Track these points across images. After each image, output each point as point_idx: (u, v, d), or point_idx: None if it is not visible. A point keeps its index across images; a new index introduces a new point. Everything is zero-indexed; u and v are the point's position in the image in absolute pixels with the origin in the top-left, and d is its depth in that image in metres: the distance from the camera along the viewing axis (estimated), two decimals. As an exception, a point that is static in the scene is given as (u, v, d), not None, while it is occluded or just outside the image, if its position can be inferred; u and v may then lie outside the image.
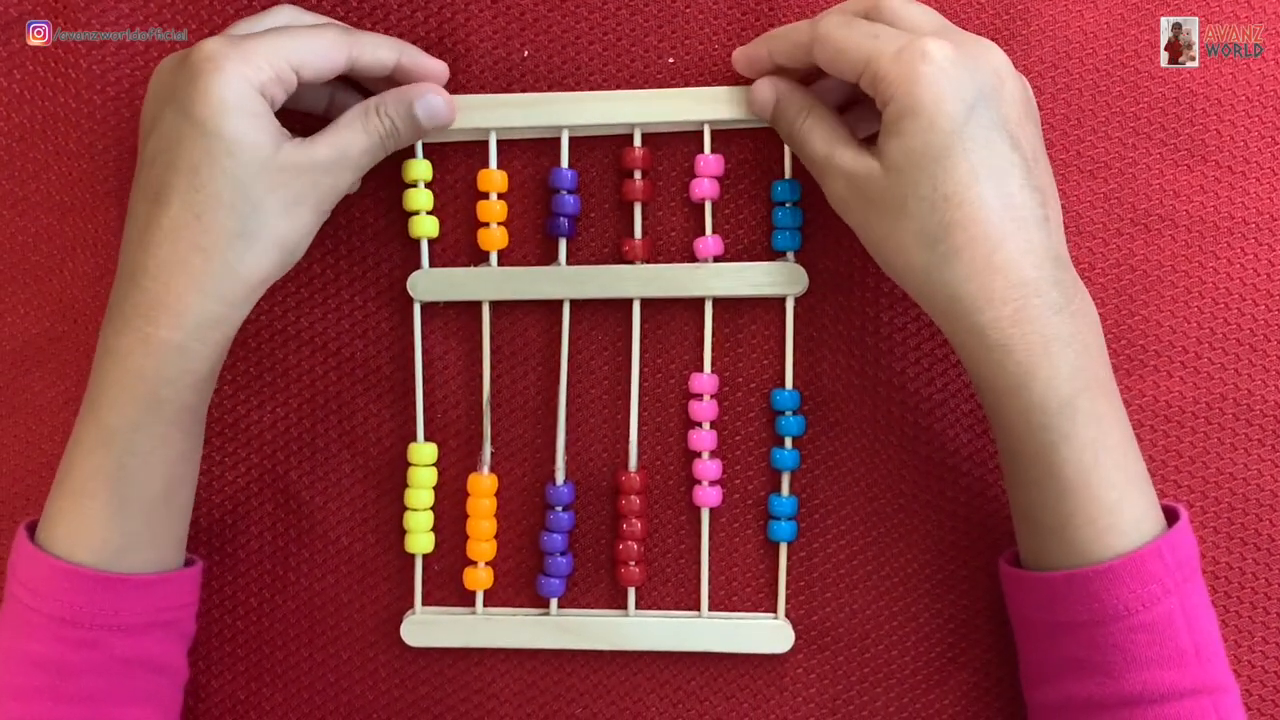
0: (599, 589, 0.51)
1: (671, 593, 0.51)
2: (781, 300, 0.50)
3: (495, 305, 0.51)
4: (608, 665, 0.51)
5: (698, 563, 0.51)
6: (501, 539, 0.51)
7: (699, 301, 0.50)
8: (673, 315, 0.51)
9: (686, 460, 0.51)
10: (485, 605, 0.51)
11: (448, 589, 0.52)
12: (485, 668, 0.52)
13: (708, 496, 0.50)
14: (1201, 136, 0.49)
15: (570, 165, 0.50)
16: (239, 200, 0.42)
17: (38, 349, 0.52)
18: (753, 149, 0.50)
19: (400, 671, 0.52)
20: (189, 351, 0.42)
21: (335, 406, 0.52)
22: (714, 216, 0.50)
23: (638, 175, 0.49)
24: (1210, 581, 0.49)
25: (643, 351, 0.50)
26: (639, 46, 0.50)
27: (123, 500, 0.43)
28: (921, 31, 0.42)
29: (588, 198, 0.51)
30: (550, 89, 0.50)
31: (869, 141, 0.43)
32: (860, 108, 0.47)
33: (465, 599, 0.51)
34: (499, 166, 0.50)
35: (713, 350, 0.50)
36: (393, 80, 0.48)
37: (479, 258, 0.51)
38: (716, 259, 0.50)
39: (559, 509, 0.50)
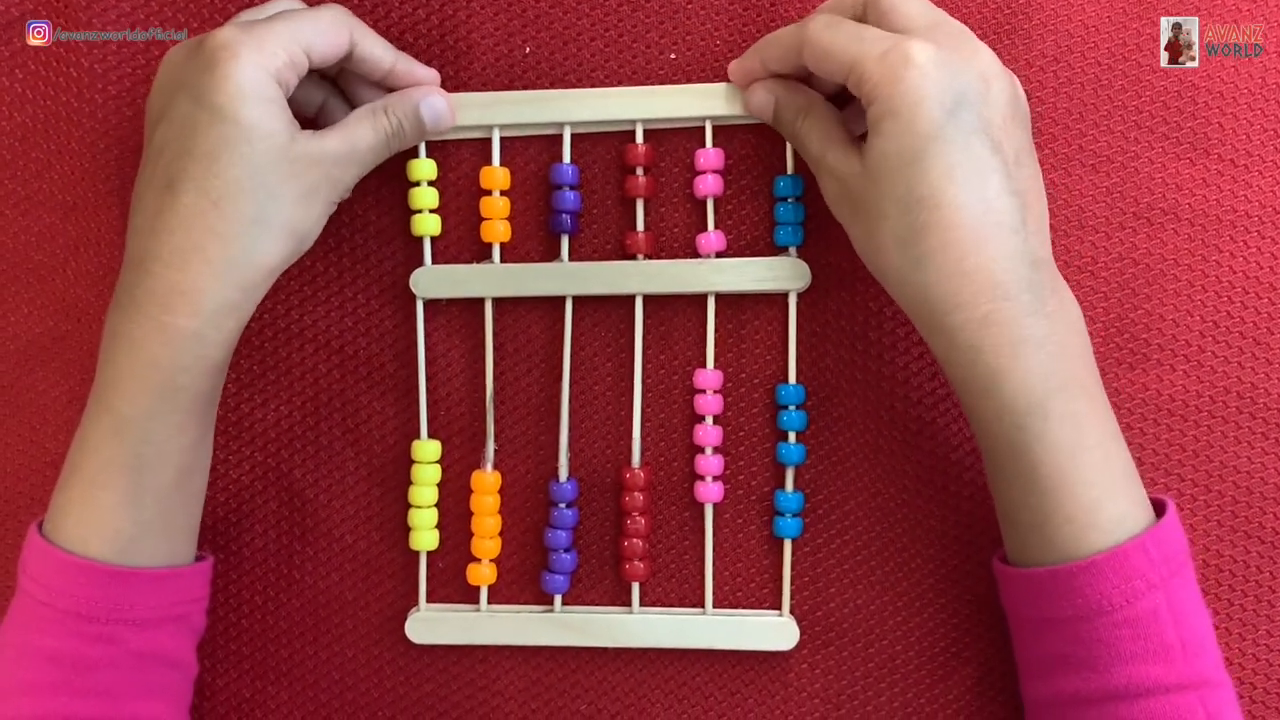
0: (603, 586, 0.51)
1: (676, 589, 0.51)
2: (784, 296, 0.50)
3: (498, 302, 0.51)
4: (613, 662, 0.51)
5: (702, 559, 0.51)
6: (505, 536, 0.51)
7: (702, 297, 0.50)
8: (676, 311, 0.51)
9: (690, 456, 0.51)
10: (490, 602, 0.51)
11: (452, 586, 0.52)
12: (490, 664, 0.52)
13: (710, 492, 0.50)
14: (1204, 130, 0.49)
15: (572, 161, 0.50)
16: (257, 187, 0.42)
17: (42, 348, 0.52)
18: (754, 144, 0.50)
19: (405, 668, 0.52)
20: (205, 338, 0.42)
21: (339, 404, 0.52)
22: (716, 212, 0.50)
23: (640, 171, 0.49)
24: (1213, 575, 0.49)
25: (645, 348, 0.50)
26: (641, 43, 0.50)
27: (138, 490, 0.43)
28: (911, 31, 0.41)
29: (590, 194, 0.51)
30: (552, 85, 0.50)
31: (865, 139, 0.43)
32: (858, 103, 0.47)
33: (470, 596, 0.51)
34: (502, 163, 0.50)
35: (716, 346, 0.50)
36: (382, 90, 0.48)
37: (482, 255, 0.51)
38: (719, 255, 0.50)
39: (562, 506, 0.50)
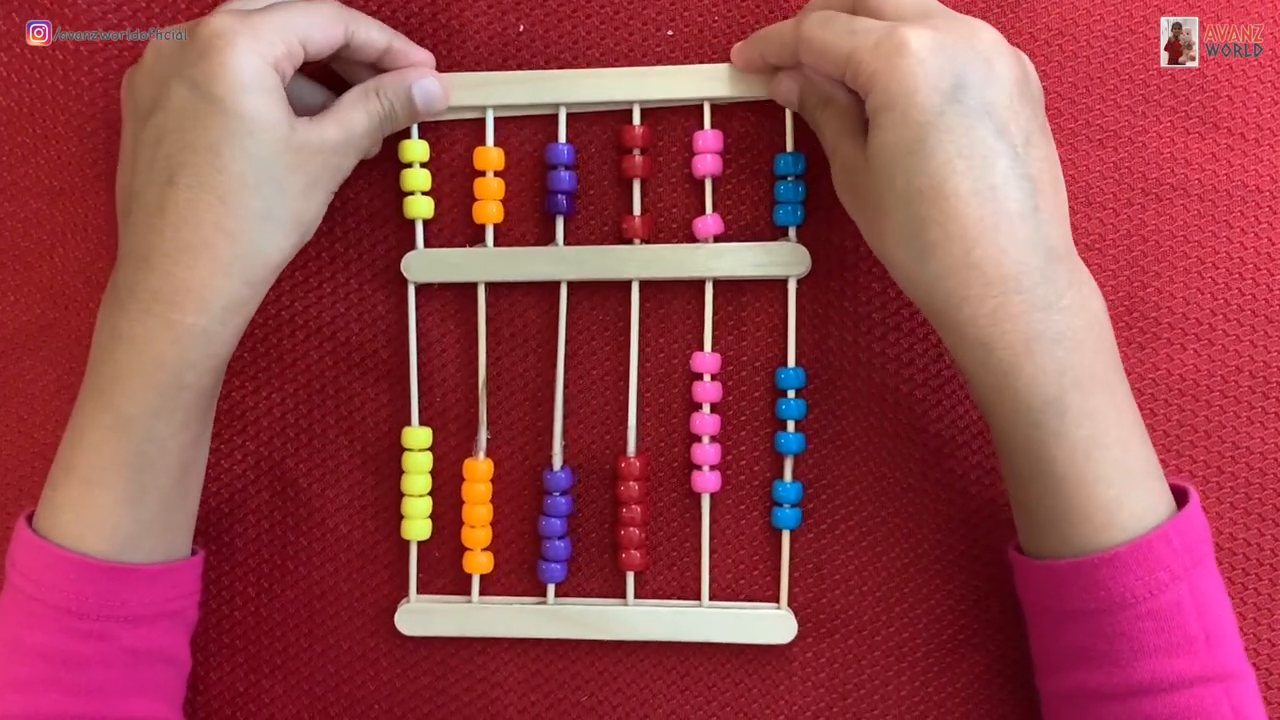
0: (599, 576, 0.51)
1: (673, 580, 0.50)
2: (784, 280, 0.49)
3: (492, 287, 0.50)
4: (613, 652, 0.51)
5: (699, 550, 0.50)
6: (499, 525, 0.51)
7: (700, 282, 0.49)
8: (673, 296, 0.50)
9: (687, 445, 0.50)
10: (485, 592, 0.50)
11: (447, 576, 0.51)
12: (488, 656, 0.51)
13: (707, 482, 0.49)
14: (1213, 103, 0.48)
15: (568, 141, 0.49)
16: (263, 181, 0.41)
17: (29, 336, 0.52)
18: (754, 123, 0.49)
19: (401, 660, 0.51)
20: (213, 335, 0.42)
21: (332, 392, 0.51)
22: (715, 193, 0.49)
23: (637, 152, 0.49)
24: (1226, 558, 0.48)
25: (642, 333, 0.50)
26: (637, 20, 0.49)
27: (140, 489, 0.42)
28: (904, 18, 0.40)
29: (586, 175, 0.50)
30: (547, 64, 0.49)
31: None
32: None
33: (465, 586, 0.51)
34: (496, 144, 0.49)
35: (714, 331, 0.49)
36: (374, 69, 0.48)
37: (475, 238, 0.50)
38: (717, 238, 0.49)
39: (557, 494, 0.49)
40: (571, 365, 0.50)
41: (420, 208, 0.49)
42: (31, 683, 0.42)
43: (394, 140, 0.49)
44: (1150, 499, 0.40)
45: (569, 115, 0.49)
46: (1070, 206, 0.47)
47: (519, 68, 0.49)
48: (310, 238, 0.45)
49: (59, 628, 0.42)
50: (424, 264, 0.49)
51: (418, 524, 0.50)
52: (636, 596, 0.50)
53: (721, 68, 0.48)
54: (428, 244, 0.50)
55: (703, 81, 0.48)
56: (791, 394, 0.49)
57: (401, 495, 0.50)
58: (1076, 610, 0.40)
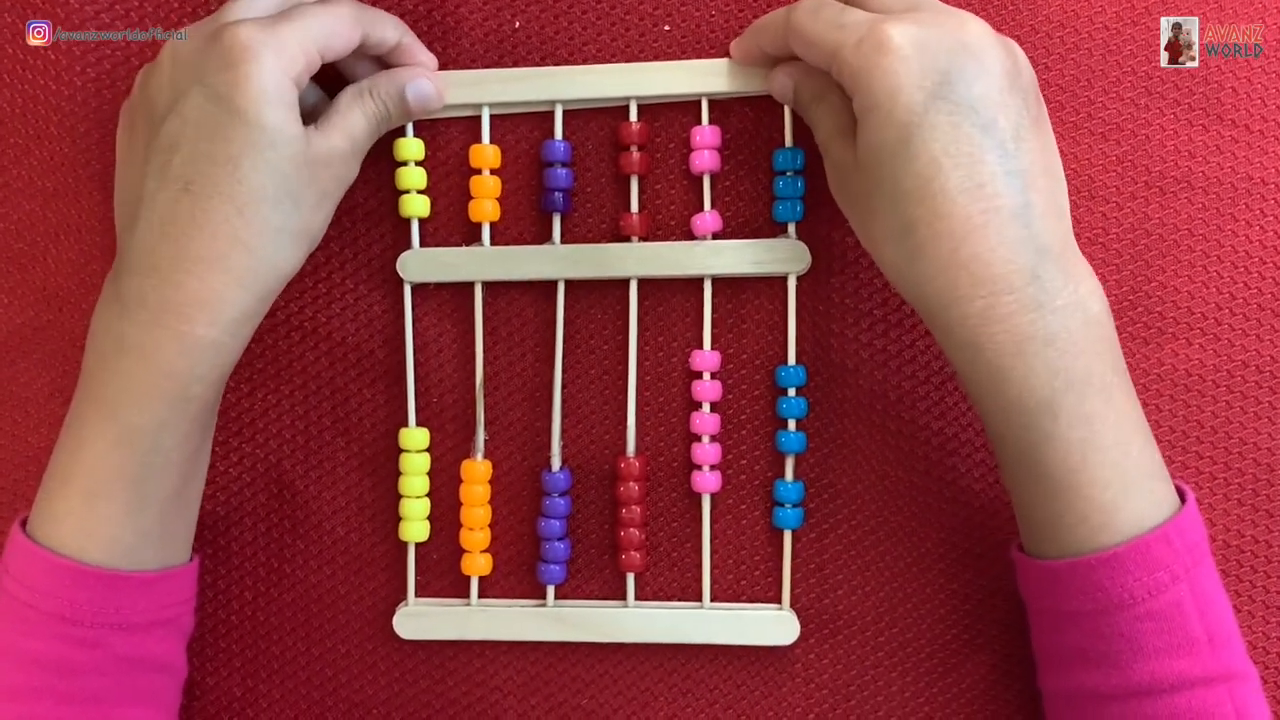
0: (598, 578, 0.50)
1: (673, 581, 0.50)
2: (783, 278, 0.48)
3: (489, 286, 0.49)
4: (613, 655, 0.50)
5: (699, 551, 0.49)
6: (497, 527, 0.50)
7: (699, 280, 0.49)
8: (672, 294, 0.49)
9: (687, 444, 0.49)
10: (483, 594, 0.50)
11: (445, 579, 0.50)
12: (487, 659, 0.50)
13: (708, 482, 0.49)
14: (1217, 95, 0.47)
15: (565, 138, 0.49)
16: (281, 194, 0.41)
17: (23, 339, 0.51)
18: (752, 118, 0.49)
19: (400, 664, 0.51)
20: (223, 347, 0.42)
21: (328, 393, 0.51)
22: (713, 189, 0.48)
23: (634, 148, 0.48)
24: (1232, 554, 0.48)
25: (641, 332, 0.49)
26: (634, 14, 0.49)
27: (143, 500, 0.42)
28: (891, 10, 0.40)
29: (583, 172, 0.49)
30: (543, 59, 0.49)
31: None
32: None
33: (462, 588, 0.50)
34: (492, 141, 0.49)
35: (713, 330, 0.49)
36: (371, 64, 0.47)
37: (472, 237, 0.49)
38: (715, 235, 0.48)
39: (556, 496, 0.49)
40: (569, 365, 0.50)
41: (416, 206, 0.49)
42: (26, 690, 0.42)
43: (389, 138, 0.48)
44: (1151, 500, 0.39)
45: (565, 111, 0.48)
46: (1073, 200, 0.47)
47: (515, 64, 0.49)
48: (316, 247, 0.45)
49: (54, 635, 0.42)
50: (420, 264, 0.49)
51: (415, 525, 0.49)
52: (637, 598, 0.49)
53: (719, 63, 0.47)
54: (424, 242, 0.49)
55: (700, 77, 0.47)
56: (792, 392, 0.48)
57: (399, 497, 0.50)
58: (1076, 611, 0.40)
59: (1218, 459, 0.48)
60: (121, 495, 0.42)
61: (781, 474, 0.49)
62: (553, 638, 0.49)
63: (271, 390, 0.51)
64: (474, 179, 0.49)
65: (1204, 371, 0.48)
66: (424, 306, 0.50)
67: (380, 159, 0.49)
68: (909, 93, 0.38)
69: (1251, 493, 0.48)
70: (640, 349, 0.49)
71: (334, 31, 0.43)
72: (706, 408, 0.49)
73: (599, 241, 0.49)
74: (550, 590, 0.49)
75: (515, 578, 0.50)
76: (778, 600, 0.49)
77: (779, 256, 0.48)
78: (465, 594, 0.50)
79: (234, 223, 0.41)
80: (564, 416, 0.50)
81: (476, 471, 0.49)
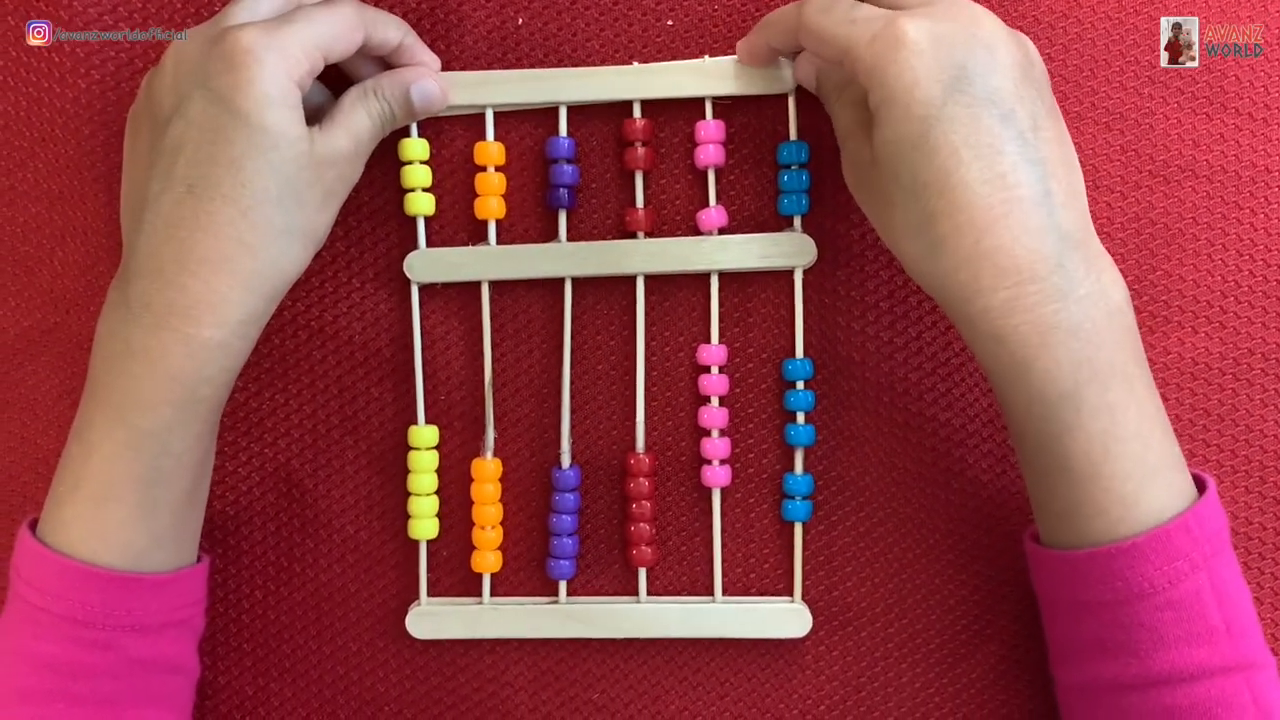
0: (609, 574, 0.50)
1: (684, 576, 0.50)
2: (790, 271, 0.48)
3: (496, 283, 0.49)
4: (624, 649, 0.50)
5: (710, 545, 0.49)
6: (507, 524, 0.50)
7: (705, 275, 0.49)
8: (678, 289, 0.49)
9: (696, 440, 0.49)
10: (494, 591, 0.50)
11: (455, 576, 0.50)
12: (498, 656, 0.50)
13: (717, 476, 0.49)
14: (1220, 83, 0.47)
15: (569, 134, 0.49)
16: (285, 196, 0.41)
17: (31, 341, 0.51)
18: (756, 112, 0.49)
19: (411, 661, 0.51)
20: (230, 349, 0.42)
21: (336, 392, 0.51)
22: (718, 184, 0.48)
23: (639, 145, 0.48)
24: (1242, 543, 0.48)
25: (648, 328, 0.49)
26: (636, 10, 0.49)
27: (153, 503, 0.42)
28: (903, 6, 0.40)
29: (588, 168, 0.49)
30: (546, 56, 0.49)
31: None
32: None
33: (473, 586, 0.50)
34: (496, 138, 0.49)
35: (720, 324, 0.49)
36: (375, 64, 0.47)
37: (477, 234, 0.49)
38: (721, 230, 0.48)
39: (566, 493, 0.49)
40: (577, 361, 0.50)
41: (421, 205, 0.49)
42: (39, 693, 0.42)
43: (394, 138, 0.48)
44: (1171, 491, 0.39)
45: (569, 108, 0.49)
46: (1078, 190, 0.47)
47: (517, 61, 0.49)
48: (321, 248, 0.45)
49: (66, 637, 0.42)
50: (427, 264, 0.49)
51: (425, 523, 0.49)
52: (648, 593, 0.50)
53: (723, 63, 0.47)
54: (430, 240, 0.49)
55: (704, 79, 0.47)
56: (800, 385, 0.48)
57: (408, 495, 0.50)
58: (1094, 601, 0.40)
59: (1225, 446, 0.48)
60: (132, 499, 0.42)
61: (790, 467, 0.49)
62: (565, 634, 0.49)
63: (280, 390, 0.51)
64: (479, 176, 0.49)
65: (1210, 360, 0.48)
66: (431, 305, 0.50)
67: (385, 158, 0.49)
68: (926, 86, 0.38)
69: (1259, 480, 0.48)
70: (647, 345, 0.49)
71: (336, 33, 0.43)
72: (715, 402, 0.49)
73: (604, 238, 0.49)
74: (562, 586, 0.49)
75: (525, 574, 0.50)
76: (789, 593, 0.49)
77: (785, 250, 0.48)
78: (475, 591, 0.50)
79: (238, 225, 0.41)
80: (573, 413, 0.50)
81: (486, 470, 0.49)
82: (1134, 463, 0.39)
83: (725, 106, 0.48)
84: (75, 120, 0.50)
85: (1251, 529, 0.48)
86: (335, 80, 0.47)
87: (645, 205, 0.49)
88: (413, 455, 0.49)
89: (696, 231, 0.49)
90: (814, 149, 0.47)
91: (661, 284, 0.49)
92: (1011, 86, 0.39)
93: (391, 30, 0.46)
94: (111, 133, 0.50)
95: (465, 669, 0.51)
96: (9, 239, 0.51)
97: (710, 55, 0.48)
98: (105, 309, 0.43)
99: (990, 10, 0.40)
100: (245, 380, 0.51)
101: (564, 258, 0.48)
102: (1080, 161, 0.47)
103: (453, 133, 0.50)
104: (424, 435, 0.49)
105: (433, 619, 0.50)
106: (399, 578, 0.51)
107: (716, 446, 0.49)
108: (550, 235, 0.49)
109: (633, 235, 0.49)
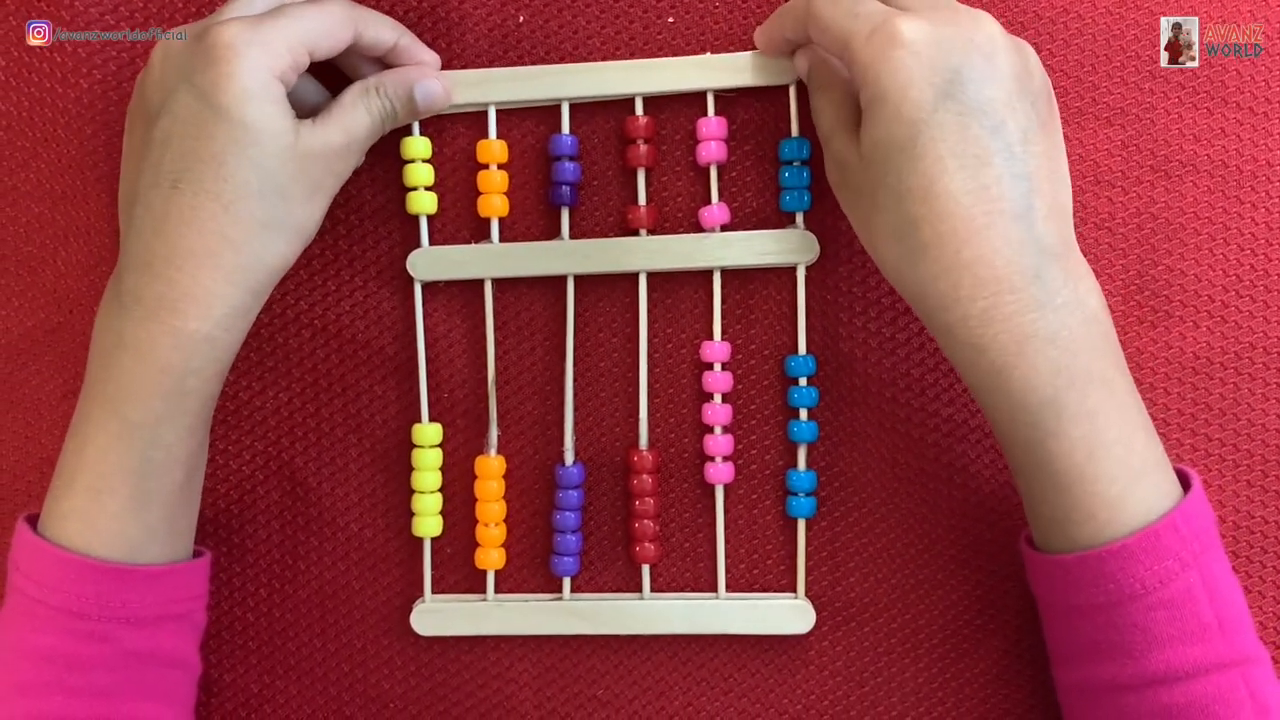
0: (612, 570, 0.50)
1: (688, 573, 0.50)
2: (792, 268, 0.48)
3: (498, 281, 0.50)
4: (628, 645, 0.50)
5: (714, 542, 0.49)
6: (511, 521, 0.50)
7: (708, 272, 0.49)
8: (680, 286, 0.49)
9: (699, 436, 0.50)
10: (498, 588, 0.50)
11: (459, 573, 0.51)
12: (502, 652, 0.51)
13: (721, 473, 0.49)
14: (1221, 78, 0.47)
15: (571, 131, 0.49)
16: (267, 189, 0.42)
17: (34, 341, 0.51)
18: (758, 109, 0.49)
19: (415, 659, 0.51)
20: (217, 342, 0.42)
21: (339, 389, 0.51)
22: (720, 181, 0.49)
23: (641, 142, 0.48)
24: (1242, 538, 0.48)
25: (651, 325, 0.49)
26: (638, 7, 0.49)
27: (146, 495, 0.42)
28: (905, 5, 0.40)
29: (590, 165, 0.49)
30: (548, 54, 0.49)
31: None
32: None
33: (477, 583, 0.50)
34: (498, 136, 0.49)
35: (723, 321, 0.49)
36: (375, 64, 0.47)
37: (480, 232, 0.50)
38: (723, 227, 0.48)
39: (569, 489, 0.49)
40: (580, 359, 0.50)
41: (424, 203, 0.49)
42: (35, 686, 0.42)
43: (396, 137, 0.48)
44: (1156, 492, 0.40)
45: (571, 106, 0.49)
46: (1078, 186, 0.47)
47: (519, 58, 0.49)
48: (310, 242, 0.45)
49: (62, 629, 0.42)
50: (429, 262, 0.49)
51: (429, 521, 0.49)
52: (652, 590, 0.50)
53: (725, 58, 0.47)
54: (432, 238, 0.49)
55: (706, 73, 0.48)
56: (803, 382, 0.48)
57: (412, 492, 0.50)
58: (1087, 604, 0.40)
59: (1225, 440, 0.48)
60: (124, 490, 0.42)
61: (794, 463, 0.49)
62: (569, 631, 0.49)
63: (284, 388, 0.51)
64: (481, 174, 0.49)
65: (1211, 354, 0.48)
66: (434, 302, 0.50)
67: (387, 157, 0.49)
68: (919, 89, 0.38)
69: (1260, 474, 0.48)
70: (650, 342, 0.49)
71: (323, 29, 0.43)
72: (718, 399, 0.49)
73: (607, 235, 0.49)
74: (566, 583, 0.50)
75: (529, 571, 0.51)
76: (792, 589, 0.49)
77: (787, 247, 0.48)
78: (479, 588, 0.50)
79: (220, 219, 0.41)
80: (576, 410, 0.50)
81: (490, 467, 0.49)
82: (1118, 466, 0.39)
83: (726, 103, 0.48)
84: (77, 120, 0.50)
85: (1254, 523, 0.48)
86: (337, 82, 0.47)
87: (647, 202, 0.49)
88: (416, 453, 0.49)
89: (699, 228, 0.49)
90: (815, 145, 0.47)
91: (664, 281, 0.49)
92: (1005, 97, 0.39)
93: (385, 30, 0.46)
94: (113, 133, 0.50)
95: (469, 666, 0.51)
96: (12, 239, 0.51)
97: (712, 52, 0.48)
98: (102, 304, 0.43)
99: (990, 6, 0.40)
100: (249, 378, 0.51)
101: (566, 255, 0.49)
102: (1081, 157, 0.47)
103: (455, 131, 0.50)
104: (427, 433, 0.49)
105: (437, 616, 0.50)
106: (403, 575, 0.51)
107: (719, 443, 0.49)
108: (553, 233, 0.49)
109: (635, 232, 0.49)
